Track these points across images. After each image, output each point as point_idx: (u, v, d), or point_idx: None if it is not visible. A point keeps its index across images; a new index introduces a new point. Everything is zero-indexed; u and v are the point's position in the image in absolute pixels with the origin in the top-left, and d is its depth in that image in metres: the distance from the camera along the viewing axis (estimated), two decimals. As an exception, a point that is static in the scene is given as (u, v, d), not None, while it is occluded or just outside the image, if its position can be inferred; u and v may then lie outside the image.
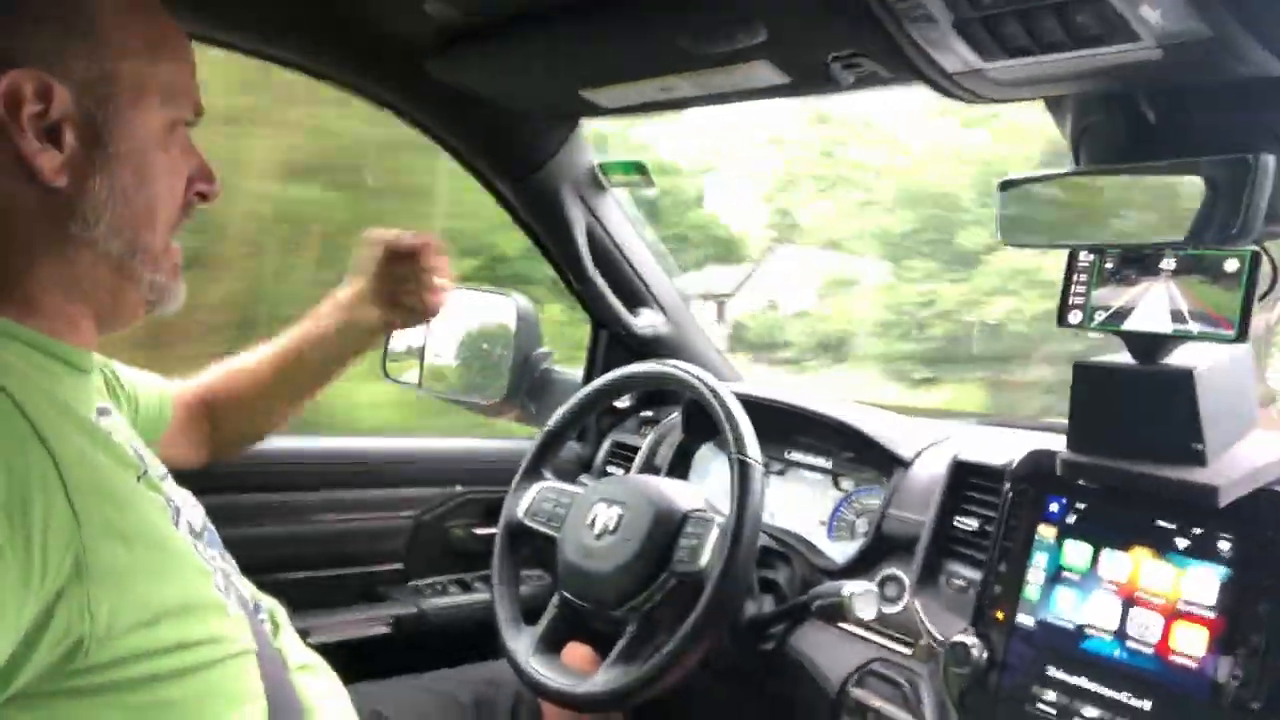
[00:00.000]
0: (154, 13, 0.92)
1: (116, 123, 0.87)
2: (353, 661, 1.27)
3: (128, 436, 0.97)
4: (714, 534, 1.26)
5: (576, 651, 1.53)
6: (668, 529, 1.29)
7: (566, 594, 1.37)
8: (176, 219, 0.96)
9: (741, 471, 1.25)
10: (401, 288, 1.42)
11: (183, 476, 1.06)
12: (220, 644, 0.88)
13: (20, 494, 0.71)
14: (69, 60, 0.84)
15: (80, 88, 0.84)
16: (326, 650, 1.20)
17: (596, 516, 1.35)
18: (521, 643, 1.37)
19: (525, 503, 1.49)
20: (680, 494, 1.35)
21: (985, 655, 1.20)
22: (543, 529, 1.45)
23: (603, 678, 1.26)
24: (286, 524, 1.77)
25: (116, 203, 0.88)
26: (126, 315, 0.97)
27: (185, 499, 1.02)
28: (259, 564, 1.15)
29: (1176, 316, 1.03)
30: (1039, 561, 1.20)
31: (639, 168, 1.79)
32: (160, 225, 0.93)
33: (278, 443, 1.77)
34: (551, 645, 1.37)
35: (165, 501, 0.92)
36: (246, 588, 1.06)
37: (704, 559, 1.24)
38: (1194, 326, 1.02)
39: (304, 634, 1.19)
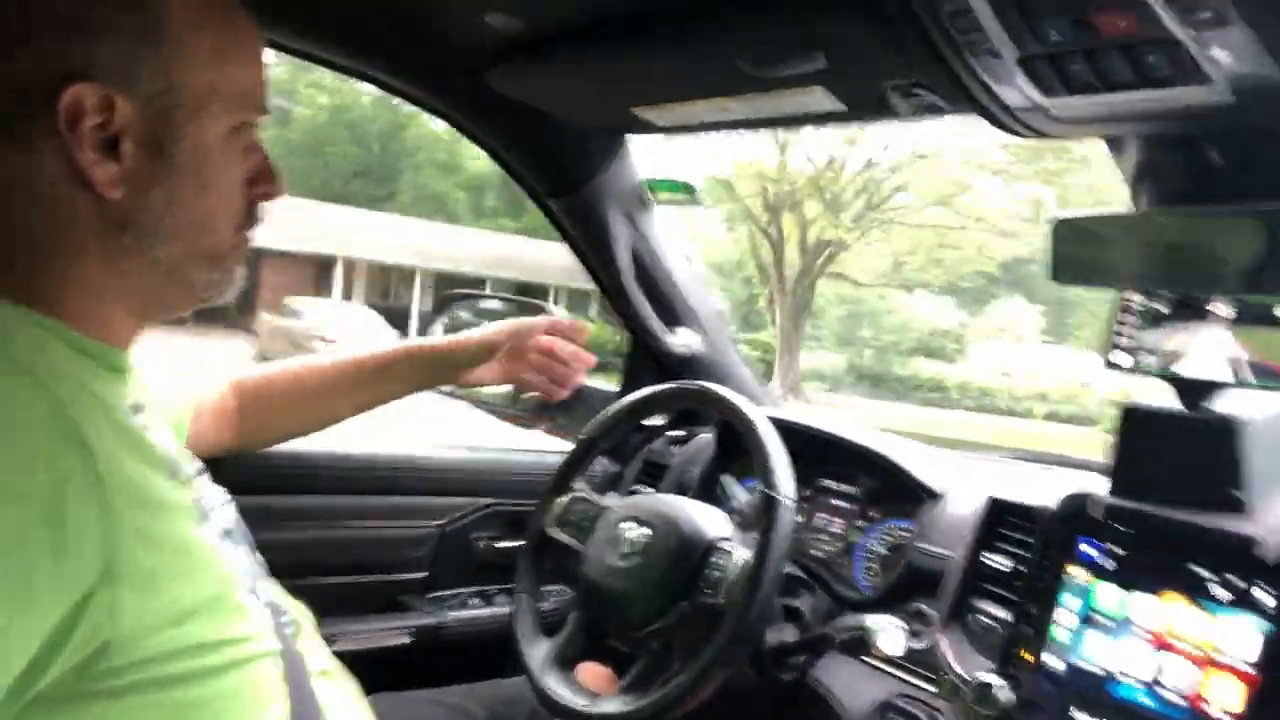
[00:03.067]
0: (224, 14, 0.90)
1: (180, 133, 0.86)
2: (371, 671, 1.26)
3: (161, 434, 0.97)
4: (738, 567, 1.24)
5: (593, 670, 1.52)
6: (692, 556, 1.28)
7: (587, 610, 1.36)
8: (240, 220, 0.95)
9: (772, 508, 1.24)
10: (535, 361, 1.53)
11: (214, 475, 1.06)
12: (244, 645, 0.88)
13: (59, 494, 0.71)
14: (135, 72, 0.82)
15: (145, 99, 0.83)
16: (345, 658, 1.20)
17: (623, 535, 1.34)
18: (538, 654, 1.37)
19: (556, 511, 1.48)
20: (708, 520, 1.34)
21: (1011, 696, 1.18)
22: (569, 541, 1.44)
23: (615, 702, 1.25)
24: (313, 528, 1.77)
25: (173, 212, 0.87)
26: (170, 313, 0.97)
27: (217, 498, 1.01)
28: (284, 567, 1.15)
29: (1233, 364, 1.02)
30: (1070, 604, 1.19)
31: (686, 187, 1.80)
32: (218, 229, 0.92)
33: (308, 446, 1.77)
34: (568, 660, 1.36)
35: (195, 501, 0.91)
36: (272, 590, 1.06)
37: (726, 593, 1.23)
38: (1251, 375, 1.01)
39: (324, 641, 1.19)
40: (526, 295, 2.13)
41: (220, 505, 1.01)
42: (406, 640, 1.80)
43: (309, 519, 1.77)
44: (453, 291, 2.04)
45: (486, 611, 1.91)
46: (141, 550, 0.77)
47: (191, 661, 0.81)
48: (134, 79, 0.82)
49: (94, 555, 0.73)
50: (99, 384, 0.86)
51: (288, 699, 0.94)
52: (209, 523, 0.93)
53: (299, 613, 1.15)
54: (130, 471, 0.80)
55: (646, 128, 1.57)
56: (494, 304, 2.00)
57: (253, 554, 1.04)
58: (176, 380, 1.32)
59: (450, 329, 2.02)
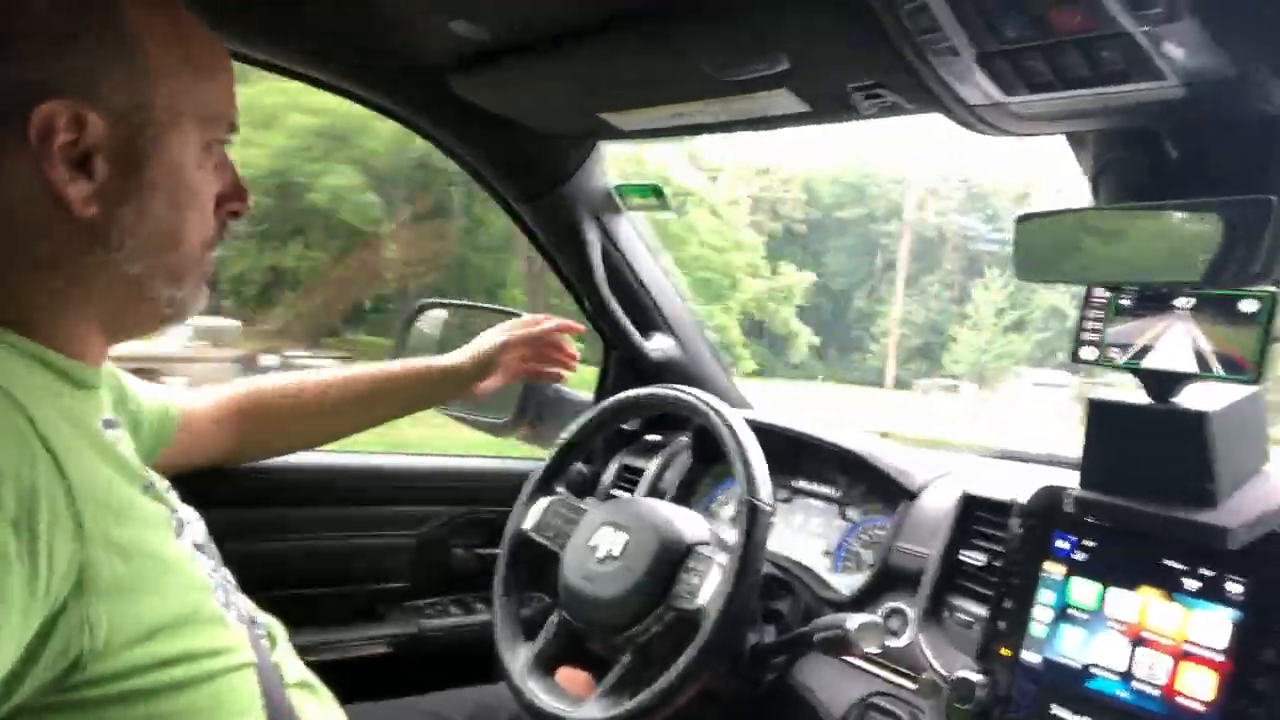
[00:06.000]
0: (194, 31, 0.90)
1: (152, 149, 0.85)
2: (349, 681, 1.26)
3: (130, 448, 0.97)
4: (715, 573, 1.24)
5: (573, 675, 1.52)
6: (670, 561, 1.28)
7: (565, 615, 1.36)
8: (209, 237, 0.94)
9: (750, 515, 1.23)
10: (529, 358, 1.71)
11: (183, 489, 1.06)
12: (220, 656, 0.88)
13: (28, 506, 0.71)
14: (107, 89, 0.82)
15: (116, 115, 0.82)
16: (324, 669, 1.19)
17: (601, 540, 1.34)
18: (518, 659, 1.36)
19: (534, 516, 1.48)
20: (686, 524, 1.33)
21: (989, 692, 1.19)
22: (548, 544, 1.44)
23: (594, 705, 1.24)
24: (288, 540, 1.76)
25: (144, 228, 0.86)
26: (139, 331, 0.96)
27: (188, 513, 1.01)
28: (259, 580, 1.14)
29: (1197, 357, 1.03)
30: (1045, 598, 1.20)
31: (656, 191, 1.80)
32: (186, 246, 0.91)
33: (283, 458, 1.77)
34: (547, 664, 1.36)
35: (169, 514, 0.91)
36: (244, 603, 1.06)
37: (703, 598, 1.23)
38: (1215, 367, 1.02)
39: (302, 652, 1.18)
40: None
41: (192, 520, 1.01)
42: (385, 649, 1.79)
43: (285, 530, 1.76)
44: (422, 301, 2.03)
45: (466, 619, 1.91)
46: (115, 562, 0.77)
47: (167, 674, 0.81)
48: (105, 95, 0.82)
49: (67, 568, 0.73)
50: (69, 400, 0.86)
51: (263, 710, 0.94)
52: (183, 536, 0.92)
53: (273, 625, 1.15)
54: (102, 485, 0.80)
55: (613, 133, 1.58)
56: (466, 314, 1.98)
57: (221, 568, 1.04)
58: (161, 389, 1.32)
59: (417, 339, 2.02)
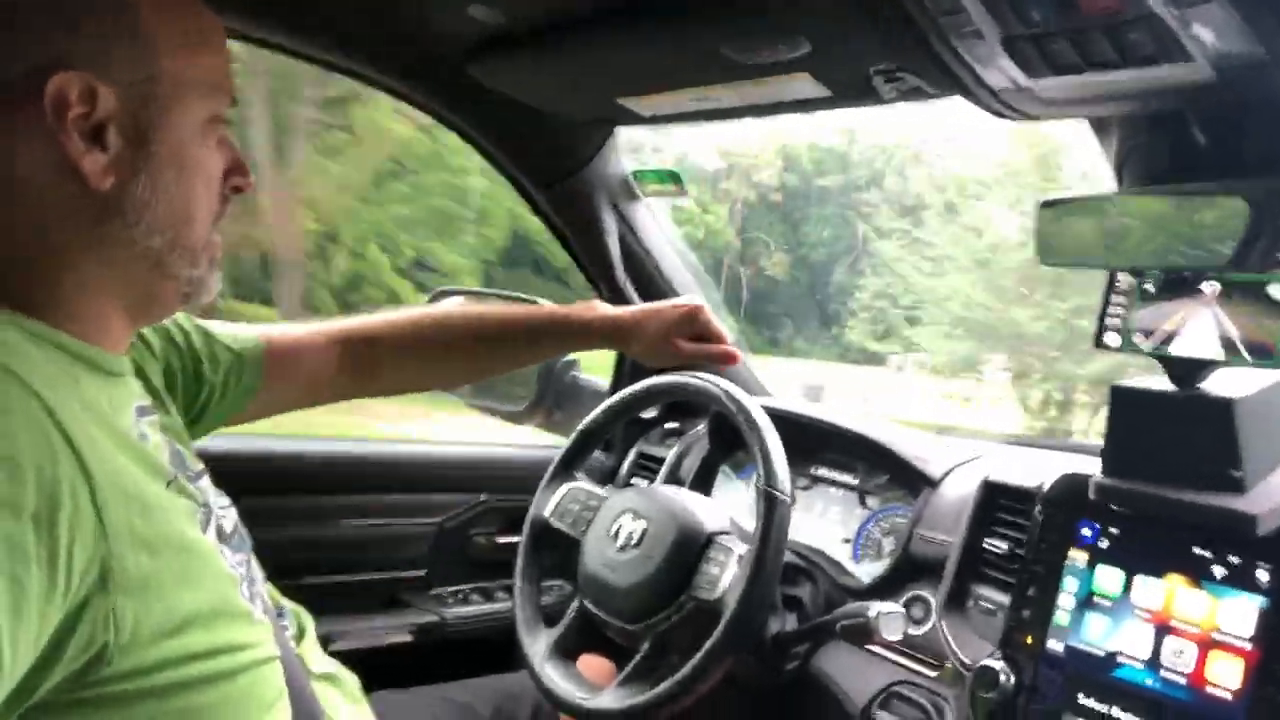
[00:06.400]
0: (194, 7, 0.91)
1: (160, 121, 0.86)
2: (373, 669, 1.27)
3: (165, 438, 0.96)
4: (735, 563, 1.24)
5: (593, 662, 1.52)
6: (690, 550, 1.28)
7: (585, 602, 1.36)
8: (215, 213, 0.95)
9: (768, 504, 1.22)
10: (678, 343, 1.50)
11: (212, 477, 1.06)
12: (246, 650, 0.88)
13: (49, 501, 0.71)
14: (114, 61, 0.83)
15: (125, 88, 0.83)
16: (346, 657, 1.20)
17: (621, 527, 1.34)
18: (538, 645, 1.36)
19: (553, 502, 1.48)
20: (706, 513, 1.33)
21: (1013, 680, 1.18)
22: (568, 531, 1.44)
23: (613, 694, 1.24)
24: (310, 528, 1.77)
25: (158, 201, 0.87)
26: (160, 311, 0.97)
27: (218, 500, 1.01)
28: (283, 568, 1.14)
29: (1224, 342, 1.02)
30: (1070, 586, 1.19)
31: (673, 177, 1.79)
32: (199, 221, 0.92)
33: (301, 444, 1.77)
34: (567, 651, 1.36)
35: (196, 506, 0.91)
36: (271, 594, 1.06)
37: (723, 588, 1.22)
38: (1243, 352, 1.00)
39: (325, 640, 1.19)
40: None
41: (221, 508, 1.01)
42: (408, 638, 1.80)
43: (307, 519, 1.77)
44: (441, 289, 2.03)
45: (487, 607, 1.91)
46: (139, 555, 0.77)
47: (193, 668, 0.81)
48: (114, 67, 0.82)
49: (89, 562, 0.73)
50: (91, 389, 0.85)
51: (288, 704, 0.94)
52: (210, 526, 0.92)
53: (299, 616, 1.15)
54: (124, 477, 0.80)
55: (632, 118, 1.57)
56: (485, 301, 1.98)
57: (252, 558, 1.04)
58: (247, 327, 1.30)
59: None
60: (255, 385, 1.25)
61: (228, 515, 1.02)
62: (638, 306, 1.53)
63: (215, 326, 1.22)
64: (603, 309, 1.50)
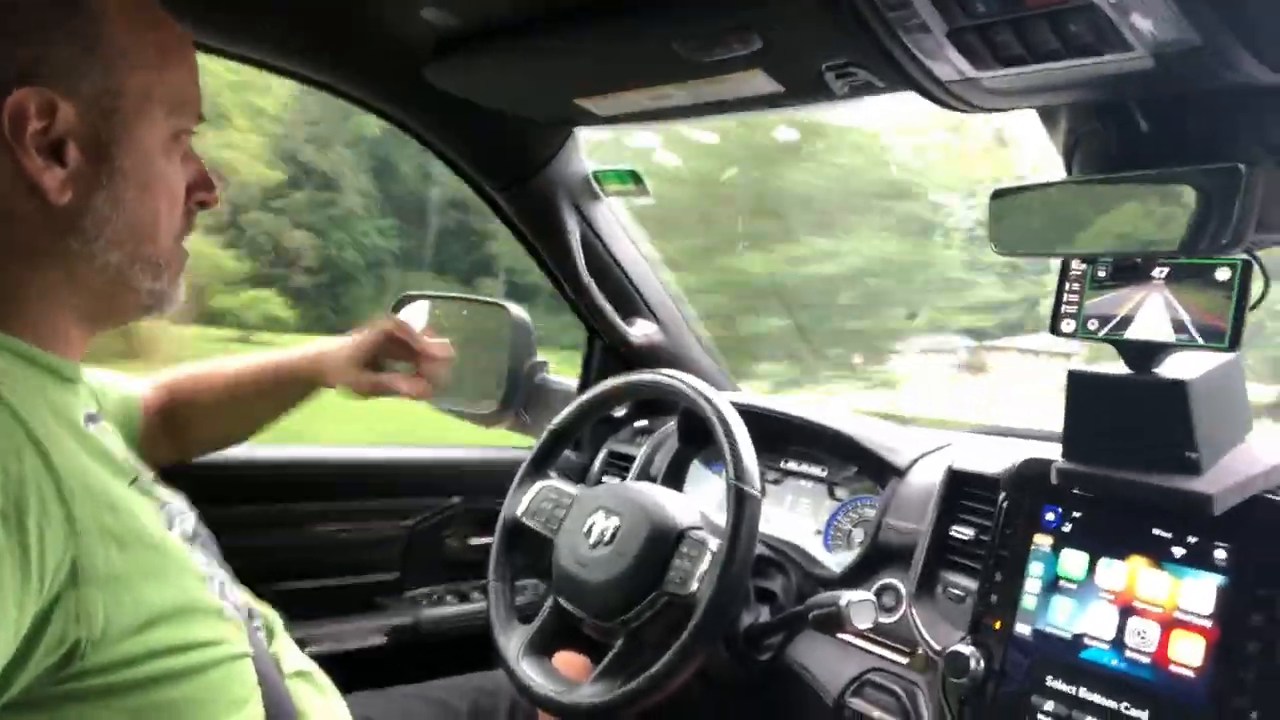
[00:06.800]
0: (161, 21, 0.91)
1: (122, 136, 0.87)
2: (348, 671, 1.27)
3: (116, 442, 0.97)
4: (707, 558, 1.25)
5: (568, 658, 1.52)
6: (662, 546, 1.28)
7: (560, 599, 1.36)
8: (180, 228, 0.96)
9: (738, 499, 1.23)
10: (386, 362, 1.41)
11: (177, 484, 1.06)
12: (217, 647, 0.89)
13: (16, 499, 0.72)
14: (76, 75, 0.83)
15: (86, 102, 0.84)
16: (323, 661, 1.20)
17: (593, 525, 1.35)
18: (513, 642, 1.36)
19: (526, 501, 1.48)
20: (678, 509, 1.34)
21: (983, 665, 1.19)
22: (540, 529, 1.44)
23: (589, 689, 1.25)
24: (282, 533, 1.77)
25: (119, 216, 0.88)
26: (118, 321, 0.98)
27: (178, 504, 1.01)
28: (255, 573, 1.15)
29: (1177, 325, 1.04)
30: (1035, 570, 1.20)
31: (634, 176, 1.79)
32: (161, 235, 0.93)
33: (272, 451, 1.76)
34: (543, 648, 1.36)
35: (159, 506, 0.92)
36: (240, 595, 1.06)
37: (695, 583, 1.23)
38: (1194, 335, 1.02)
39: (300, 644, 1.19)
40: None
41: (182, 511, 1.01)
42: (383, 640, 1.81)
43: (279, 524, 1.76)
44: (406, 294, 2.02)
45: (461, 608, 1.92)
46: (108, 550, 0.78)
47: (166, 663, 0.82)
48: (75, 82, 0.83)
49: (59, 557, 0.74)
50: (53, 394, 0.86)
51: (261, 700, 0.95)
52: (175, 526, 0.93)
53: (270, 617, 1.16)
54: (90, 476, 0.81)
55: (589, 119, 1.56)
56: (452, 304, 1.98)
57: (218, 559, 1.04)
58: (122, 379, 1.29)
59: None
60: (135, 433, 1.25)
61: (188, 518, 1.03)
62: (343, 340, 1.43)
63: (101, 376, 1.21)
64: (321, 348, 1.42)
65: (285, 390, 1.42)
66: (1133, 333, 1.07)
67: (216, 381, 1.41)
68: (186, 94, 0.93)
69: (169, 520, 0.93)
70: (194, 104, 0.95)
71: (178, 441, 1.38)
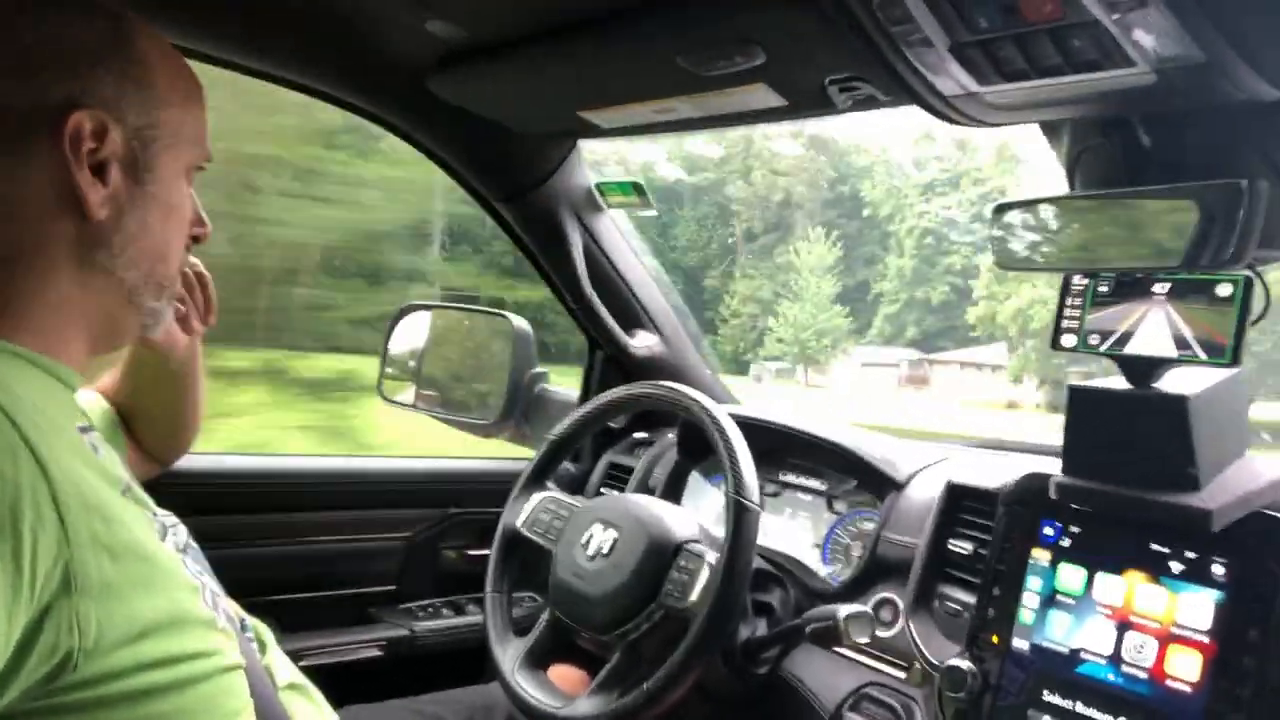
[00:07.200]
0: (185, 67, 1.00)
1: (155, 165, 0.94)
2: (343, 684, 1.26)
3: (109, 452, 0.97)
4: (705, 572, 1.24)
5: (564, 672, 1.52)
6: (660, 559, 1.28)
7: (556, 611, 1.36)
8: (182, 256, 1.03)
9: (737, 512, 1.23)
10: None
11: (171, 495, 1.05)
12: (210, 658, 0.88)
13: (10, 505, 0.71)
14: (124, 105, 0.90)
15: (130, 131, 0.91)
16: (317, 672, 1.19)
17: (591, 537, 1.34)
18: (510, 655, 1.36)
19: (525, 512, 1.48)
20: (676, 522, 1.33)
21: (980, 679, 1.19)
22: (539, 540, 1.44)
23: (586, 703, 1.24)
24: (278, 544, 1.76)
25: (142, 238, 0.94)
26: (120, 340, 1.02)
27: (169, 517, 1.02)
28: (250, 585, 1.14)
29: (1178, 340, 1.04)
30: (1033, 585, 1.20)
31: (636, 188, 1.80)
32: (172, 258, 0.99)
33: (269, 461, 1.77)
34: (539, 660, 1.36)
35: (151, 516, 0.92)
36: (232, 607, 1.06)
37: (693, 597, 1.23)
38: (1196, 350, 1.03)
39: (295, 656, 1.18)
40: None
41: (173, 524, 1.02)
42: (378, 653, 1.80)
43: (277, 535, 1.76)
44: (409, 304, 2.02)
45: (457, 620, 1.91)
46: (101, 560, 0.78)
47: (158, 675, 0.81)
48: (124, 111, 0.91)
49: (51, 565, 0.73)
50: (52, 401, 0.87)
51: (254, 713, 0.94)
52: (167, 537, 0.94)
53: (262, 629, 1.15)
54: (85, 486, 0.80)
55: (592, 131, 1.57)
56: (453, 315, 1.98)
57: (208, 571, 1.04)
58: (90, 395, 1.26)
59: (400, 343, 2.02)
60: (120, 445, 1.23)
61: (179, 530, 1.03)
62: None
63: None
64: None
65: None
66: (1134, 348, 1.08)
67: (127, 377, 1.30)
68: (202, 133, 1.01)
69: (161, 530, 0.93)
70: (205, 144, 1.02)
71: (144, 446, 1.31)
